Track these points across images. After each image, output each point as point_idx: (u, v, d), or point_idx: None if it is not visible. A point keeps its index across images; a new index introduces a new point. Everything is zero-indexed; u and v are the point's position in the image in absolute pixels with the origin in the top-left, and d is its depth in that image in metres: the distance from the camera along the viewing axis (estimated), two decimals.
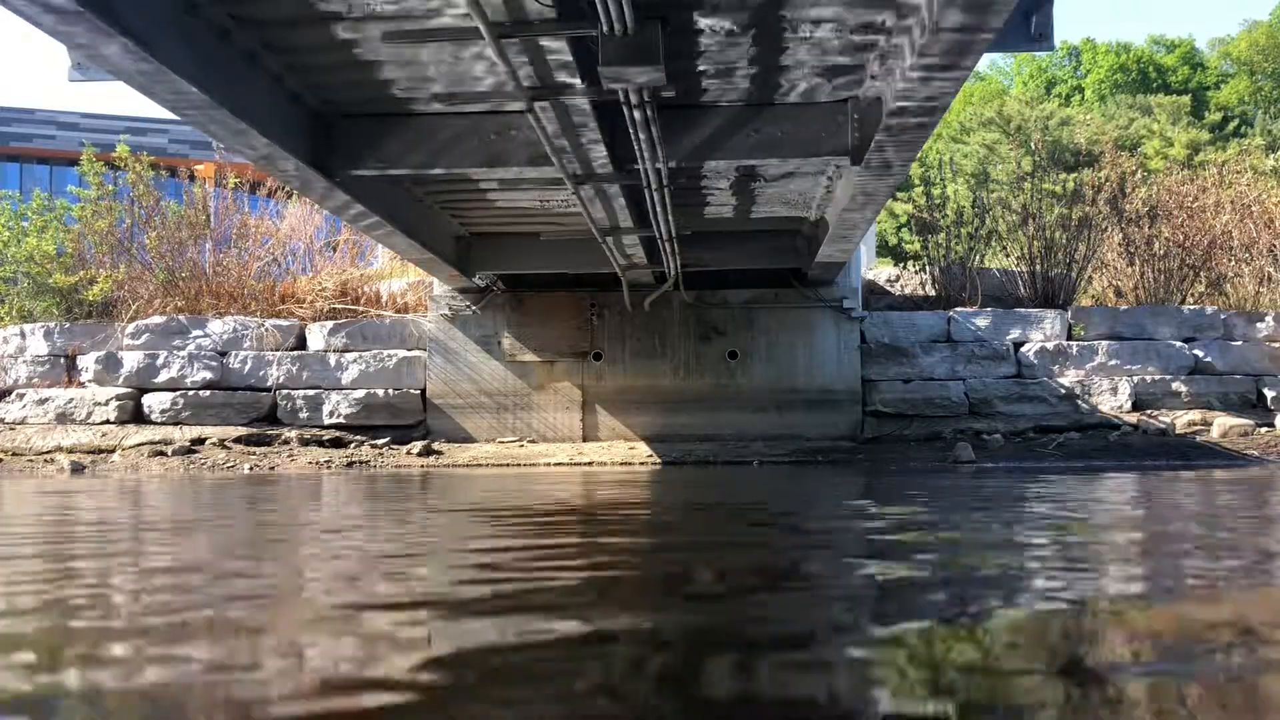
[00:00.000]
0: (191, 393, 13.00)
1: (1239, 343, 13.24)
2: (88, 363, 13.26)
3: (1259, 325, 13.39)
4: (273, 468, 11.34)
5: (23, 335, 13.72)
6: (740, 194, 10.11)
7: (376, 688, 1.84)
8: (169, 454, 11.89)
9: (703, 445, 12.40)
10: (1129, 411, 12.65)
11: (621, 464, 11.77)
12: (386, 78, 7.14)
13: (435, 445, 12.39)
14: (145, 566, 3.69)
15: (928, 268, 14.88)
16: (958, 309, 13.44)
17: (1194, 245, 14.57)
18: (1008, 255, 14.99)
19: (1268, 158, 22.60)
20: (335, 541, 4.51)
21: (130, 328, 13.46)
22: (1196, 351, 13.10)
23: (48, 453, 12.23)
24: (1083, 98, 47.63)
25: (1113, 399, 12.78)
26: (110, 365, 13.18)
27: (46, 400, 13.12)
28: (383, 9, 5.96)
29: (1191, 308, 13.52)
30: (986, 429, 12.32)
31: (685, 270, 11.64)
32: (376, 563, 3.66)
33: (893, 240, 24.97)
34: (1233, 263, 14.87)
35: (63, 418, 12.99)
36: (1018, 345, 13.16)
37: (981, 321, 13.20)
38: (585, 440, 12.95)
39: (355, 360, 13.21)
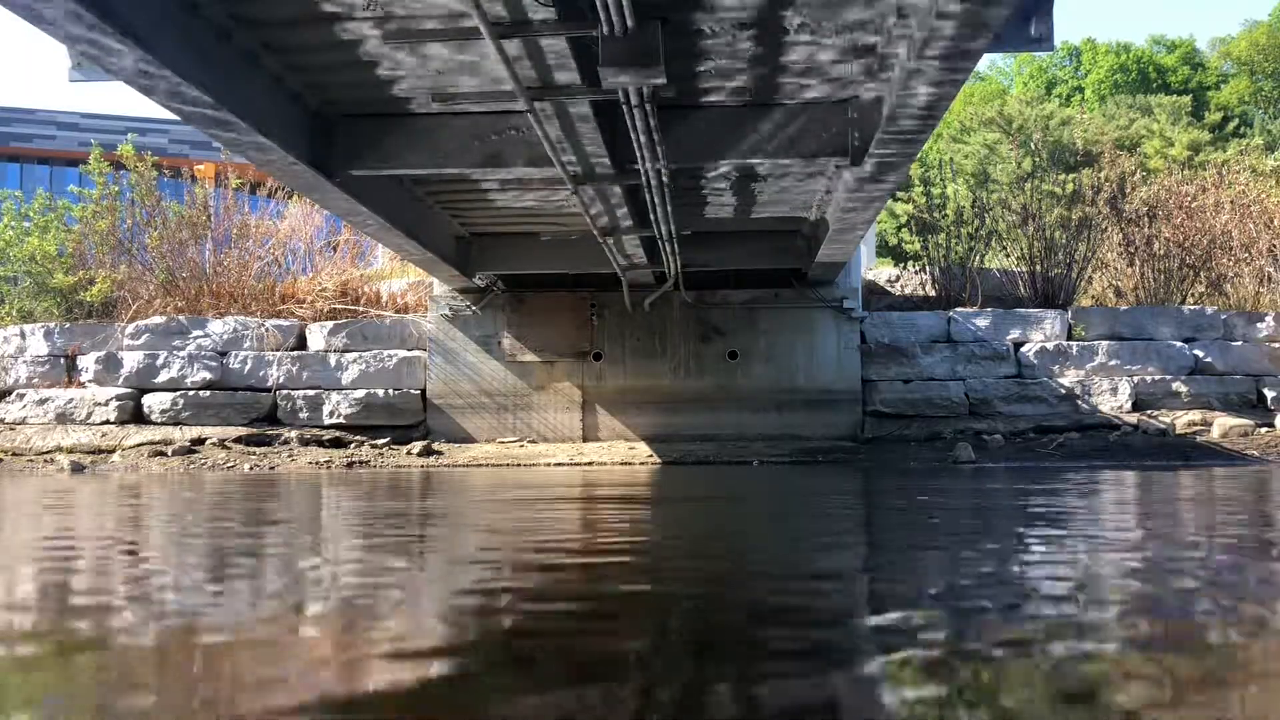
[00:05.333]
0: (191, 393, 13.00)
1: (1239, 343, 13.24)
2: (88, 363, 13.26)
3: (1259, 325, 13.39)
4: (273, 468, 11.34)
5: (23, 335, 13.72)
6: (740, 194, 10.11)
7: None
8: (169, 454, 11.88)
9: (703, 445, 12.40)
10: (1129, 412, 12.65)
11: (621, 464, 11.77)
12: (386, 78, 7.14)
13: (435, 445, 12.39)
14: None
15: (928, 268, 14.88)
16: (958, 309, 13.44)
17: (1194, 245, 14.57)
18: (1008, 255, 15.00)
19: (1267, 158, 22.60)
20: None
21: (130, 328, 13.45)
22: (1196, 351, 13.10)
23: (48, 453, 12.23)
24: (1083, 98, 47.59)
25: (1113, 399, 12.78)
26: (110, 365, 13.17)
27: (46, 400, 13.12)
28: (383, 9, 5.95)
29: (1191, 308, 13.52)
30: (987, 429, 12.32)
31: (685, 270, 11.64)
32: None
33: (893, 240, 24.94)
34: (1232, 263, 14.86)
35: (63, 418, 12.99)
36: (1018, 345, 13.16)
37: (981, 322, 13.20)
38: (585, 440, 12.95)
39: (355, 360, 13.21)
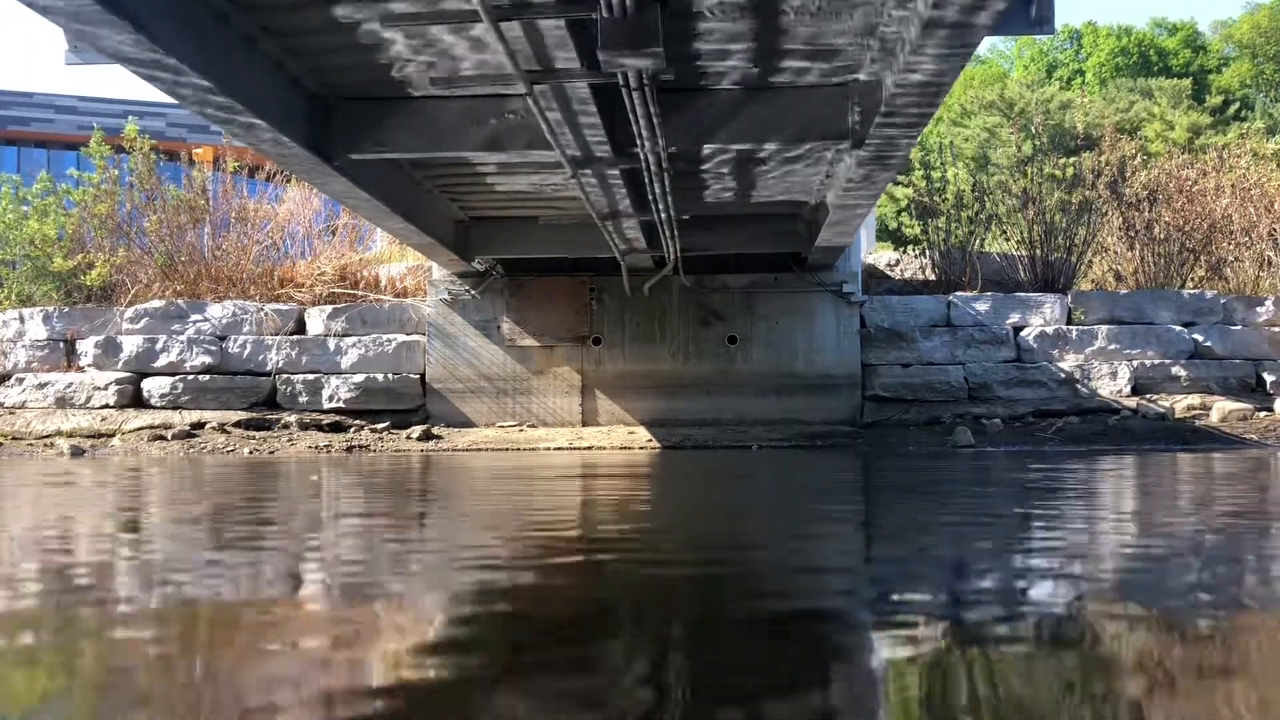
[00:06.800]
0: (191, 377, 12.99)
1: (1238, 327, 13.24)
2: (87, 347, 13.25)
3: (1259, 309, 13.39)
4: (272, 452, 11.35)
5: (22, 319, 13.70)
6: (740, 178, 10.08)
7: None
8: (169, 438, 11.89)
9: (702, 430, 12.40)
10: (1129, 395, 12.65)
11: (621, 448, 11.79)
12: (385, 61, 7.11)
13: (435, 430, 12.39)
14: None
15: (928, 252, 14.86)
16: (957, 293, 13.43)
17: (1194, 229, 14.54)
18: (1008, 239, 14.97)
19: (1268, 141, 22.55)
20: None
21: (129, 312, 13.43)
22: (1196, 335, 13.09)
23: (47, 436, 12.23)
24: (1084, 81, 47.41)
25: (1112, 383, 12.78)
26: (109, 349, 13.16)
27: (46, 384, 13.11)
28: None
29: (1191, 292, 13.51)
30: (986, 413, 12.32)
31: (685, 254, 11.61)
32: None
33: (893, 224, 24.88)
34: (1233, 247, 14.84)
35: (62, 402, 12.98)
36: (1017, 329, 13.15)
37: (981, 306, 13.19)
38: (585, 425, 12.95)
39: (354, 344, 13.20)
